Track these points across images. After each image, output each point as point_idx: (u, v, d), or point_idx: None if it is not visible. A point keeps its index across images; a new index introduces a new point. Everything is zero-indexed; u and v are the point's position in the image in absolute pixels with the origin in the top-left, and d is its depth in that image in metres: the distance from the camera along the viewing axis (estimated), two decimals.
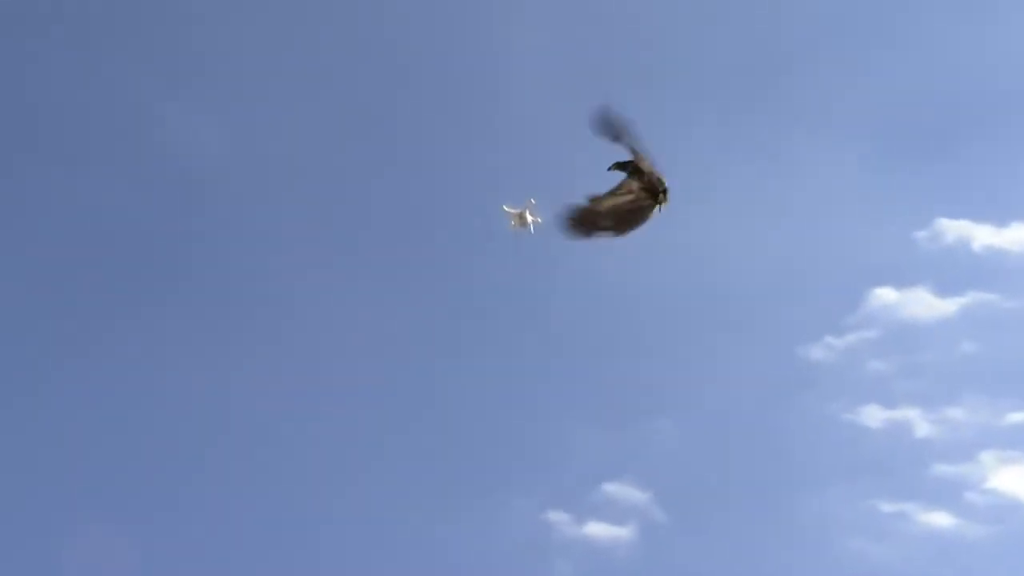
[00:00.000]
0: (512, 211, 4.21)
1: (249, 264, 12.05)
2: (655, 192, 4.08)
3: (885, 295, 12.15)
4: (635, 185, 4.09)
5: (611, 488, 11.10)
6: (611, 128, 4.03)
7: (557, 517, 10.89)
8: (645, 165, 4.03)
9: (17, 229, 11.86)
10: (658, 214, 4.16)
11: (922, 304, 12.09)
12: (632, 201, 4.11)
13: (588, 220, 4.13)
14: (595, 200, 4.13)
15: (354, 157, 12.48)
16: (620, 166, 4.08)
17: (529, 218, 4.21)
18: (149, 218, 12.06)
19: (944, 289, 12.12)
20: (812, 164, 12.62)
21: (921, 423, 11.55)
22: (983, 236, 12.38)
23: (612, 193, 4.15)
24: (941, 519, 10.98)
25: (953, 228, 12.38)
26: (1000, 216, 12.38)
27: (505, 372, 11.78)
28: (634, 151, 4.04)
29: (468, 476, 11.15)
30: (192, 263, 12.09)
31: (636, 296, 12.01)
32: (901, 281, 12.16)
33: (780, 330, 12.03)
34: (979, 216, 12.37)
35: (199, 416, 11.08)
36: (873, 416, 11.57)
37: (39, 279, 11.55)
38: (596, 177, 4.16)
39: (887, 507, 11.04)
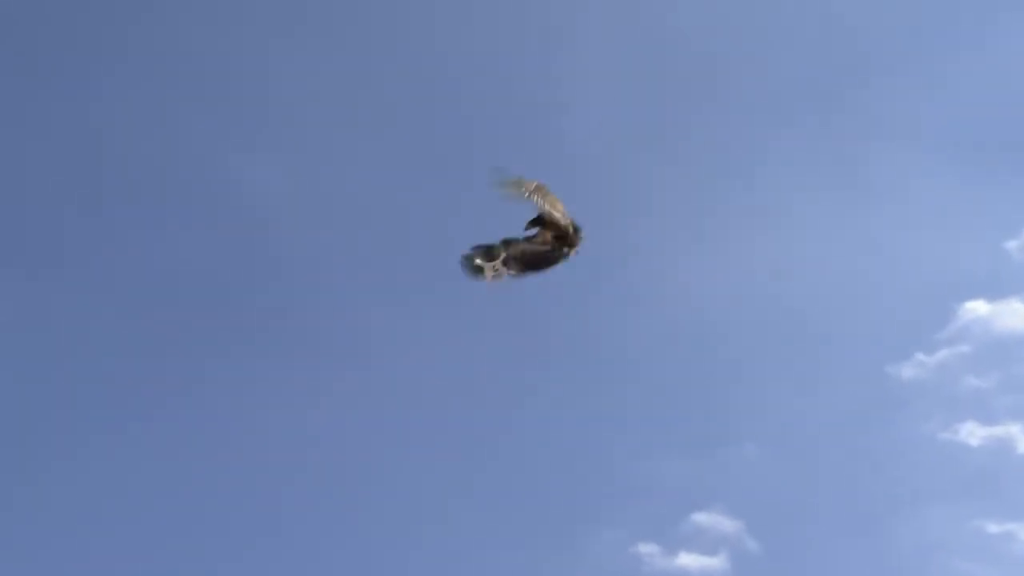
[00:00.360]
0: (485, 264, 4.31)
1: (323, 307, 12.43)
2: (568, 239, 4.28)
3: (977, 308, 11.77)
4: (549, 235, 4.26)
5: (701, 518, 11.03)
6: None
7: (647, 549, 10.87)
8: (555, 216, 4.20)
9: (97, 273, 12.55)
10: (572, 257, 4.37)
11: (1017, 315, 11.68)
12: (545, 251, 4.26)
13: (489, 259, 4.27)
14: (508, 244, 4.27)
15: (421, 200, 12.78)
16: (534, 222, 4.26)
17: (502, 270, 4.30)
18: (221, 261, 12.59)
19: None
20: (896, 176, 12.36)
21: None
22: None
23: (528, 239, 4.29)
24: None
25: None
26: None
27: (588, 405, 11.84)
28: (544, 205, 4.19)
29: (558, 510, 11.25)
30: (263, 305, 12.55)
31: (717, 319, 11.93)
32: (993, 293, 11.78)
33: (868, 349, 11.79)
34: None
35: (283, 456, 11.45)
36: (972, 433, 11.21)
37: (118, 322, 12.18)
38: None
39: (993, 528, 10.67)
